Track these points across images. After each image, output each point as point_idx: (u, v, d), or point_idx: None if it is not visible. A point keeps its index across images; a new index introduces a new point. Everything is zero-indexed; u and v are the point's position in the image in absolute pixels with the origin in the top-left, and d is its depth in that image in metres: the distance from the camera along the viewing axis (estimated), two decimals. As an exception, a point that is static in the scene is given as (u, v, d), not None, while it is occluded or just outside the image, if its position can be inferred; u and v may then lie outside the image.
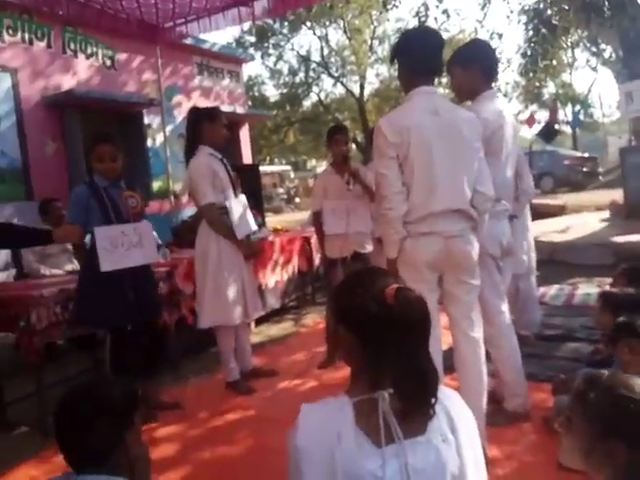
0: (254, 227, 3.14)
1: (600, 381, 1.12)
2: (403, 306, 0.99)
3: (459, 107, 2.14)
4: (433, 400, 0.98)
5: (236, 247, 2.92)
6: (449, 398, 1.06)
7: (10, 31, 5.16)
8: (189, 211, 6.20)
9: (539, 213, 8.44)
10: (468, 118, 2.02)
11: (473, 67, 2.30)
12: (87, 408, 1.16)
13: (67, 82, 5.63)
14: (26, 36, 5.31)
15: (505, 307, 2.32)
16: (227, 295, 2.88)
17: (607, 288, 2.80)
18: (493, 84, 2.47)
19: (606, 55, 11.61)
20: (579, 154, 17.59)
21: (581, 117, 13.65)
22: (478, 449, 1.04)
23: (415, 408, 0.97)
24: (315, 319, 4.58)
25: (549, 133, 9.84)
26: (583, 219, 8.27)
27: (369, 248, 3.34)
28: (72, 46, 5.74)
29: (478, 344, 2.06)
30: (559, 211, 9.50)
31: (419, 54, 1.99)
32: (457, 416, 1.02)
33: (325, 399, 1.03)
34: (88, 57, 5.91)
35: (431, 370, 1.01)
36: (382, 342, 0.99)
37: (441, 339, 2.06)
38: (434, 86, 2.06)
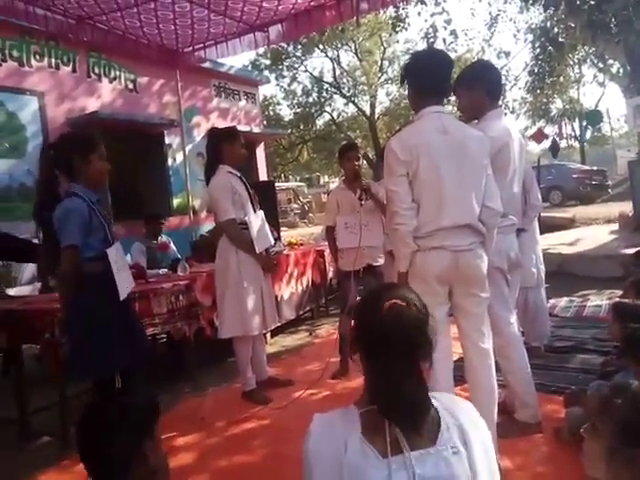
0: (272, 241, 3.26)
1: (628, 389, 1.13)
2: (393, 319, 1.01)
3: (467, 126, 2.18)
4: (422, 420, 0.98)
5: (255, 260, 3.04)
6: (462, 410, 1.06)
7: (37, 56, 5.43)
8: (207, 226, 6.38)
9: (548, 226, 8.46)
10: (476, 136, 2.07)
11: (478, 87, 2.35)
12: (109, 418, 1.16)
13: (91, 104, 5.89)
14: (52, 61, 5.57)
15: (514, 319, 2.35)
16: (246, 306, 2.98)
17: (619, 299, 2.84)
18: (500, 102, 2.54)
19: (613, 70, 11.66)
20: (587, 167, 17.49)
21: (588, 132, 13.70)
22: (493, 461, 1.04)
23: (402, 425, 0.97)
24: (329, 330, 4.65)
25: (555, 148, 9.97)
26: (592, 232, 8.25)
27: (381, 261, 3.43)
28: (96, 70, 6.01)
29: (489, 355, 2.09)
30: (568, 224, 9.48)
31: (428, 75, 2.06)
32: (470, 428, 1.02)
33: (335, 409, 1.06)
34: (111, 81, 6.18)
35: (416, 391, 1.00)
36: (376, 356, 1.02)
37: (451, 350, 2.11)
38: (443, 105, 2.13)
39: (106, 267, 2.28)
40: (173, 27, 4.52)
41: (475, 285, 2.04)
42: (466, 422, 1.03)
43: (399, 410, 0.98)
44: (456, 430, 1.01)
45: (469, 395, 2.11)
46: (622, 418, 1.10)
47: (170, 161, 6.68)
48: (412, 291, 1.13)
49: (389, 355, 1.01)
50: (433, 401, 1.05)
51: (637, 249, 3.23)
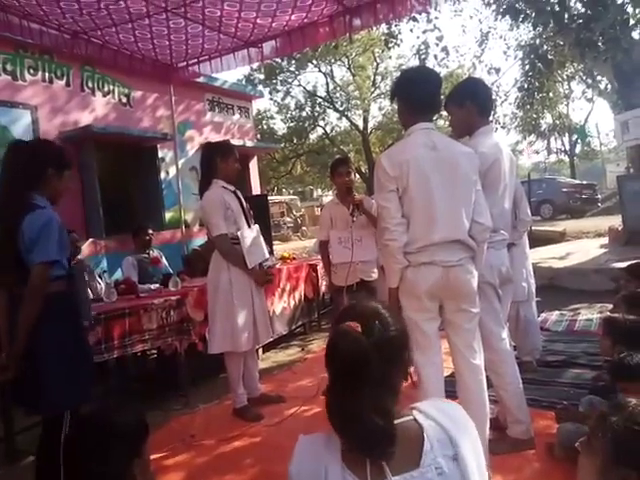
0: (267, 255, 3.25)
1: (625, 408, 1.11)
2: (336, 344, 1.01)
3: (456, 142, 2.21)
4: (378, 446, 0.96)
5: (247, 275, 3.02)
6: (449, 416, 1.04)
7: (31, 70, 5.44)
8: (199, 240, 6.37)
9: (539, 240, 8.54)
10: (465, 152, 2.10)
11: (468, 104, 2.38)
12: (96, 437, 1.16)
13: (85, 118, 5.89)
14: (46, 75, 5.58)
15: (505, 334, 2.35)
16: (237, 322, 2.96)
17: (609, 314, 2.86)
18: (491, 117, 2.57)
19: (602, 87, 11.88)
20: (577, 181, 17.78)
21: (579, 146, 14.00)
22: (481, 457, 1.04)
23: (367, 455, 0.96)
24: (321, 345, 4.62)
25: None
26: (583, 245, 8.33)
27: (374, 276, 3.41)
28: (90, 84, 6.02)
29: (480, 371, 2.09)
30: (559, 238, 9.57)
31: (417, 92, 2.09)
32: (460, 436, 1.00)
33: (319, 433, 1.05)
34: (105, 95, 6.19)
35: (368, 419, 0.96)
36: (330, 379, 1.02)
37: (442, 366, 2.11)
38: (432, 122, 2.15)
39: (70, 287, 2.12)
40: (167, 42, 4.56)
41: (466, 300, 2.05)
42: (455, 430, 1.01)
43: (353, 438, 0.96)
44: (442, 445, 0.98)
45: None
46: (615, 439, 1.08)
47: (163, 175, 6.68)
48: (386, 311, 1.07)
49: (337, 380, 1.00)
50: (416, 414, 1.03)
51: (628, 263, 3.26)
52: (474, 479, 0.97)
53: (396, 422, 0.99)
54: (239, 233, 3.00)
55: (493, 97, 2.14)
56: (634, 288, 2.97)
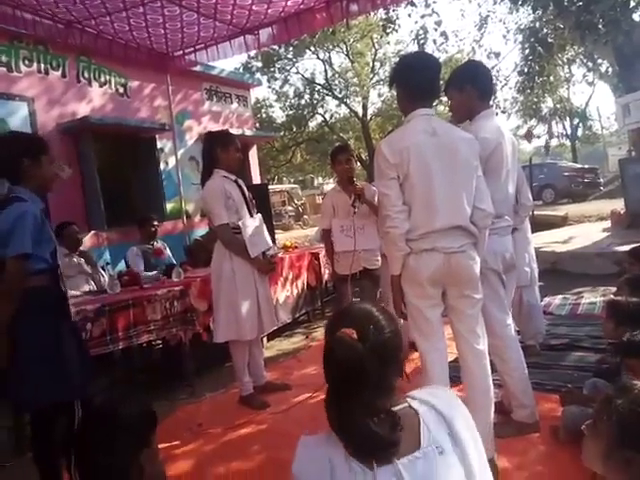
0: (270, 244, 3.25)
1: (631, 391, 1.13)
2: (334, 351, 1.04)
3: (456, 128, 2.20)
4: (381, 450, 0.98)
5: (250, 265, 3.02)
6: (448, 403, 1.08)
7: (26, 62, 5.38)
8: (201, 231, 6.36)
9: (541, 224, 8.54)
10: (465, 138, 2.08)
11: (468, 88, 2.35)
12: (105, 427, 1.17)
13: (82, 109, 5.84)
14: (42, 66, 5.52)
15: (510, 320, 2.36)
16: (240, 311, 2.97)
17: (612, 297, 2.86)
18: (491, 102, 2.54)
19: (602, 69, 11.79)
20: (579, 165, 17.69)
21: (580, 130, 13.93)
22: (476, 433, 1.07)
23: (359, 456, 0.99)
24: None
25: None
26: (585, 229, 8.32)
27: (378, 264, 3.41)
28: (86, 75, 5.97)
29: (484, 356, 2.10)
30: (561, 222, 9.56)
31: (417, 78, 2.07)
32: (458, 423, 1.04)
33: (319, 434, 1.08)
34: (101, 85, 6.13)
35: (364, 424, 0.99)
36: (330, 386, 1.06)
37: (447, 351, 2.11)
38: (432, 108, 2.13)
39: (52, 281, 2.08)
40: (163, 31, 4.50)
41: (468, 286, 2.05)
42: (447, 409, 1.05)
43: (353, 443, 0.99)
44: (438, 425, 1.02)
45: (465, 395, 2.12)
46: (619, 421, 1.10)
47: (162, 165, 6.64)
48: (380, 313, 1.10)
49: (335, 386, 1.04)
50: (410, 402, 1.06)
51: (632, 246, 3.27)
52: (470, 452, 1.02)
53: (395, 409, 1.03)
54: (240, 222, 3.00)
55: (493, 81, 2.09)
56: (638, 271, 2.97)
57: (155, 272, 4.02)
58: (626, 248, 5.67)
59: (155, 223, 4.60)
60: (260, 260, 3.09)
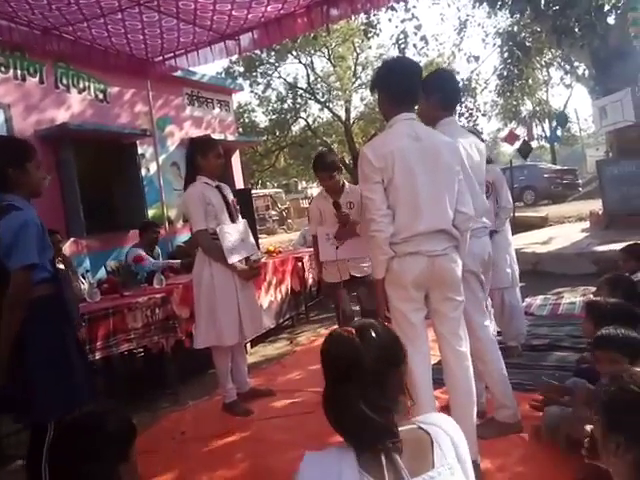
0: (252, 250, 3.22)
1: (622, 377, 1.14)
2: (329, 347, 1.06)
3: (437, 132, 2.21)
4: (381, 440, 0.99)
5: (230, 271, 3.00)
6: (451, 427, 1.10)
7: (2, 68, 5.28)
8: (183, 237, 6.30)
9: (522, 225, 8.67)
10: (447, 143, 2.11)
11: (434, 97, 2.37)
12: (82, 442, 1.15)
13: (61, 116, 5.74)
14: (18, 72, 5.43)
15: (488, 322, 2.39)
16: (219, 317, 2.96)
17: (591, 297, 2.91)
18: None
19: (579, 72, 12.03)
20: (558, 167, 17.97)
21: (559, 132, 14.11)
22: (467, 450, 1.11)
23: (367, 451, 0.99)
24: (309, 337, 4.64)
25: (526, 150, 10.23)
26: (565, 230, 8.46)
27: (367, 270, 3.23)
28: (64, 81, 5.88)
29: (466, 357, 2.12)
30: (541, 223, 9.71)
31: (400, 84, 2.08)
32: (459, 441, 1.07)
33: (327, 448, 1.07)
34: (80, 91, 6.04)
35: (365, 418, 1.00)
36: (328, 381, 1.07)
37: (429, 354, 2.12)
38: (414, 112, 2.15)
39: (56, 289, 2.06)
40: (142, 37, 4.48)
41: (451, 289, 2.07)
42: (453, 433, 1.08)
43: (353, 435, 1.01)
44: (448, 447, 1.04)
45: (448, 397, 2.14)
46: (606, 405, 1.12)
47: (144, 171, 6.55)
48: (382, 327, 1.12)
49: (333, 380, 1.05)
50: (419, 424, 1.08)
51: (627, 244, 3.38)
52: (470, 474, 1.06)
53: (403, 429, 1.04)
54: (218, 228, 2.98)
55: (460, 89, 2.11)
56: (631, 267, 3.05)
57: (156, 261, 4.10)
58: (604, 248, 5.82)
59: (158, 229, 4.64)
60: (239, 266, 3.06)
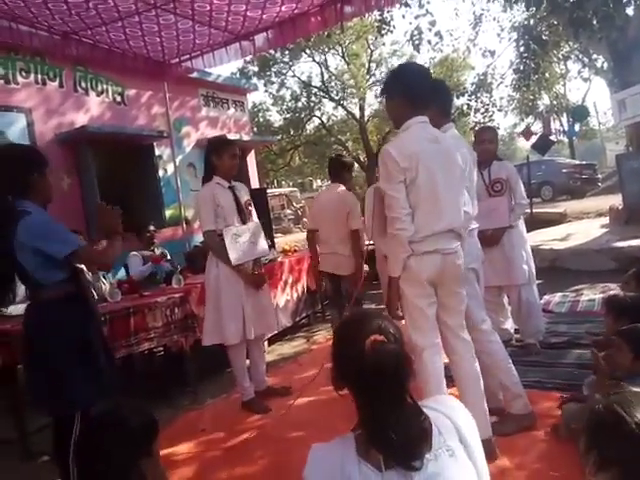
0: (260, 253, 3.21)
1: (609, 396, 1.16)
2: (376, 358, 1.04)
3: (448, 136, 2.28)
4: (417, 457, 1.00)
5: (236, 271, 3.01)
6: (454, 409, 1.12)
7: (23, 73, 5.40)
8: (201, 237, 6.36)
9: (540, 222, 8.53)
10: (458, 146, 2.22)
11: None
12: (106, 438, 1.18)
13: (80, 119, 5.86)
14: (39, 77, 5.54)
15: (486, 315, 2.47)
16: (223, 316, 2.99)
17: (612, 293, 2.88)
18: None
19: (598, 65, 11.78)
20: (577, 162, 17.61)
21: (577, 126, 13.79)
22: (477, 433, 1.12)
23: (397, 459, 1.00)
24: (326, 335, 4.66)
25: (545, 145, 10.01)
26: (584, 226, 8.32)
27: (345, 272, 3.66)
28: (83, 84, 5.99)
29: (471, 346, 2.23)
30: (560, 219, 9.56)
31: (415, 89, 2.12)
32: (465, 427, 1.08)
33: (332, 441, 1.10)
34: (99, 94, 6.15)
35: (408, 425, 1.02)
36: (363, 393, 1.06)
37: (441, 346, 2.19)
38: (426, 116, 2.16)
39: (78, 287, 2.16)
40: (159, 39, 4.53)
41: (457, 284, 2.18)
42: (455, 416, 1.09)
43: (392, 445, 1.00)
44: (449, 430, 1.06)
45: (457, 388, 2.22)
46: (590, 421, 1.13)
47: (161, 172, 6.65)
48: (386, 318, 1.14)
49: (375, 392, 1.04)
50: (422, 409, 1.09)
51: None
52: (478, 456, 1.07)
53: None
54: (224, 230, 3.00)
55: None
56: None
57: (148, 265, 4.16)
58: (624, 244, 5.71)
59: (151, 228, 4.65)
60: (245, 270, 3.05)
